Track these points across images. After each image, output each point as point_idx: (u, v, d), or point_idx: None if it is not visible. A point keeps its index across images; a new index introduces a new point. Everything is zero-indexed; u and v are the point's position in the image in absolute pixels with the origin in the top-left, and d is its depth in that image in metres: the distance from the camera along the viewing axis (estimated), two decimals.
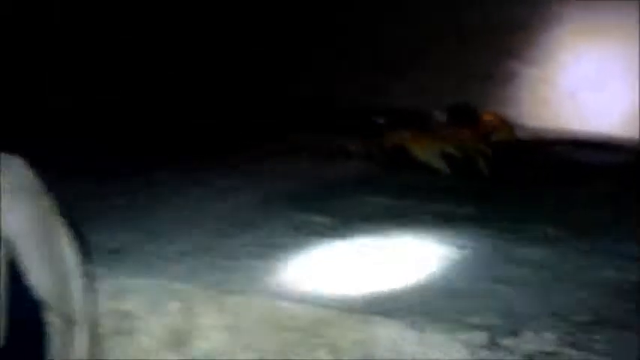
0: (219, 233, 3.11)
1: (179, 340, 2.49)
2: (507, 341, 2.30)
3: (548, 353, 2.25)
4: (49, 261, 1.95)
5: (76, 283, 2.00)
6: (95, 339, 2.06)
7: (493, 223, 3.44)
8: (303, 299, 2.47)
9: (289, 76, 6.81)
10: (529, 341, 2.30)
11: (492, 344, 2.28)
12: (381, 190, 3.96)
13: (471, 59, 6.58)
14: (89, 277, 2.07)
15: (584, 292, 2.66)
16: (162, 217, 3.31)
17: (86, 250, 2.08)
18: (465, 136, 4.92)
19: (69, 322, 1.96)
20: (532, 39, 6.62)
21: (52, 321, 1.93)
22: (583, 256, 3.04)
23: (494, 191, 4.12)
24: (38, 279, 1.91)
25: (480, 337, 2.31)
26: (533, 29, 6.61)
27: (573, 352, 2.25)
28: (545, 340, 2.31)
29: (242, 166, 4.35)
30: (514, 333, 2.33)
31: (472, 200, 3.84)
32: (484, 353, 2.25)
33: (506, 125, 5.48)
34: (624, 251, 3.10)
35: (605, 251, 3.11)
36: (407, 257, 2.93)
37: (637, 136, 5.88)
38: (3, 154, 1.97)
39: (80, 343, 1.98)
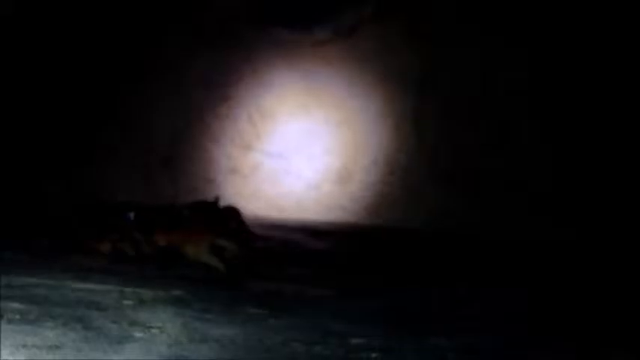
0: None
1: None
2: None
3: None
4: None
5: None
6: None
7: (196, 304, 3.45)
8: None
9: None
10: None
11: None
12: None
13: (215, 153, 6.64)
14: None
15: None
16: None
17: None
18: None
19: None
20: (276, 130, 6.76)
21: None
22: (271, 331, 3.06)
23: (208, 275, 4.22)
24: None
25: None
26: (278, 120, 6.77)
27: None
28: None
29: None
30: None
31: (185, 284, 3.88)
32: None
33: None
34: (329, 327, 3.22)
35: (305, 328, 3.20)
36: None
37: (380, 223, 6.14)
38: None
39: None
